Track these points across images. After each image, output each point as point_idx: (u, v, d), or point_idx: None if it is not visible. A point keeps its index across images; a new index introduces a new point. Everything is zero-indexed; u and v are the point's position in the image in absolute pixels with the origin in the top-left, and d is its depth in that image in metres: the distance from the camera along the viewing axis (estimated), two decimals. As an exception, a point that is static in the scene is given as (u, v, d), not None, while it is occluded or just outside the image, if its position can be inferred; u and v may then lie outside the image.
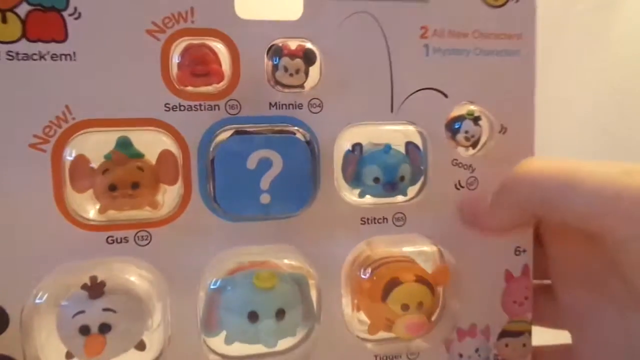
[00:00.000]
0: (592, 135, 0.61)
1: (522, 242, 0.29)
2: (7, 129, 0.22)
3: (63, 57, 0.23)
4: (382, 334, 0.27)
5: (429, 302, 0.26)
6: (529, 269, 0.29)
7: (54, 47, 0.23)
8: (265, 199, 0.24)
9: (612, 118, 0.60)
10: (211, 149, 0.24)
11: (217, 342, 0.26)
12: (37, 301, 0.23)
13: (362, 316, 0.28)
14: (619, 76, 0.60)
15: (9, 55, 0.22)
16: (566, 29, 0.59)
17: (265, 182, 0.24)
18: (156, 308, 0.25)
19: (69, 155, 0.23)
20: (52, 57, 0.23)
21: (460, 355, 0.29)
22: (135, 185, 0.23)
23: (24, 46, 0.22)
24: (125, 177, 0.23)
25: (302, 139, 0.25)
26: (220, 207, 0.24)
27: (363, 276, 0.27)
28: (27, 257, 0.23)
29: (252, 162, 0.23)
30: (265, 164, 0.24)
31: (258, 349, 0.26)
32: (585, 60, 0.60)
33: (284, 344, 0.26)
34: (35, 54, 0.22)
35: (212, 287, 0.25)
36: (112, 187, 0.23)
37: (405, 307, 0.26)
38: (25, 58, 0.22)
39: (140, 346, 0.25)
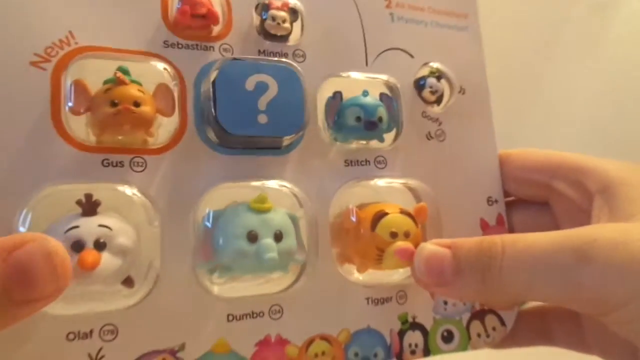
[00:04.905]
0: (591, 134, 0.62)
1: (493, 193, 0.31)
2: (11, 45, 0.23)
3: (72, -13, 0.24)
4: (372, 278, 0.28)
5: (415, 232, 0.27)
6: (503, 218, 0.31)
7: (63, -22, 0.24)
8: (262, 118, 0.25)
9: (611, 118, 0.62)
10: (212, 72, 0.25)
11: (209, 282, 0.25)
12: (21, 229, 0.22)
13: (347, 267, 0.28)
14: (617, 76, 0.62)
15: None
16: (565, 30, 0.61)
17: (262, 103, 0.25)
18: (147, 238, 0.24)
19: (68, 77, 0.24)
20: (61, -13, 0.24)
21: (445, 302, 0.30)
22: (137, 104, 0.24)
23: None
24: (128, 94, 0.23)
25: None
26: (221, 126, 0.24)
27: (352, 218, 0.28)
28: (18, 171, 0.22)
29: (250, 84, 0.25)
30: (263, 87, 0.25)
31: (248, 289, 0.26)
32: (583, 61, 0.63)
33: (274, 285, 0.26)
34: (45, -18, 0.24)
35: (206, 217, 0.25)
36: (114, 103, 0.23)
37: (393, 235, 0.26)
38: (35, -16, 0.24)
39: (129, 283, 0.24)
